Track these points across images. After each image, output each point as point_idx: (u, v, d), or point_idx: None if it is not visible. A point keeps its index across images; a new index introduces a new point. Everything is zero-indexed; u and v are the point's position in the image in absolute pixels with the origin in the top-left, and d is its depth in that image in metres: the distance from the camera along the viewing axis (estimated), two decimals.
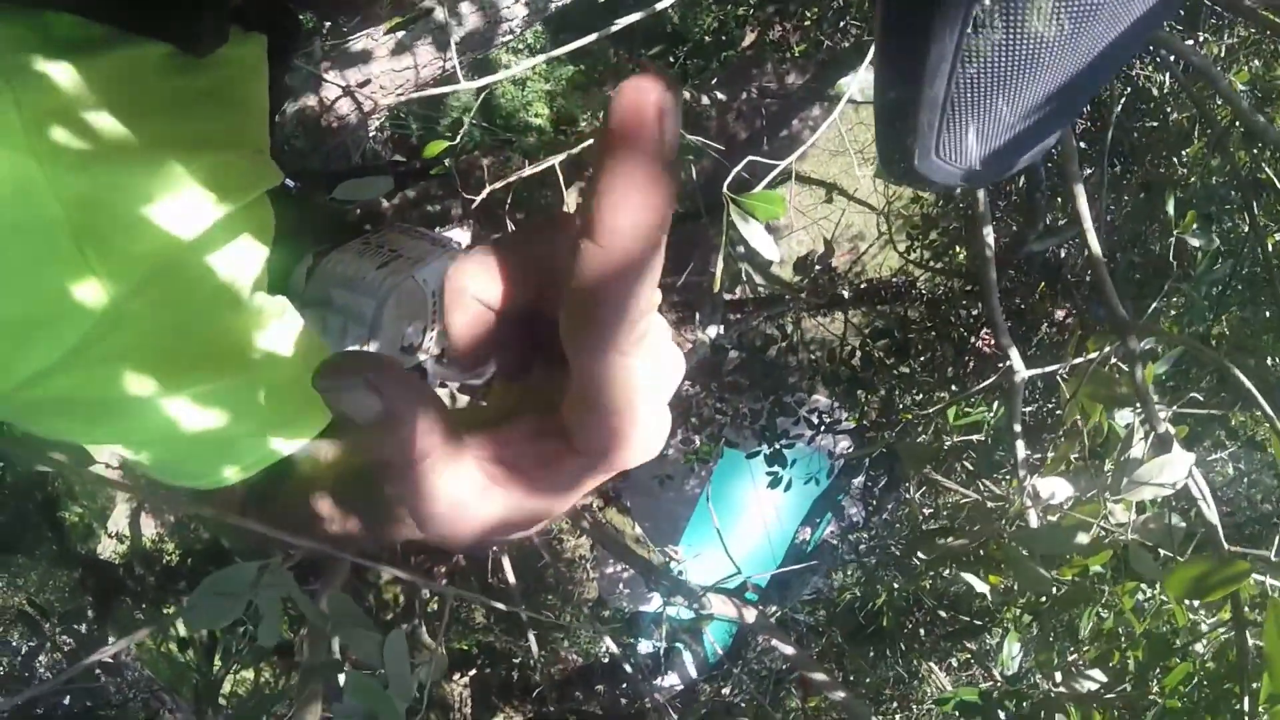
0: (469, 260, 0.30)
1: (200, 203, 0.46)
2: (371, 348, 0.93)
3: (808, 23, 3.52)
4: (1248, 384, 0.95)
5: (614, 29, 1.81)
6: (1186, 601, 1.30)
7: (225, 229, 0.49)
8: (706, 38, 3.70)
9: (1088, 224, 1.17)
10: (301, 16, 0.71)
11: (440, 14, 1.58)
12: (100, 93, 0.43)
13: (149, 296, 0.44)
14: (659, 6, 1.70)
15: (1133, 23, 0.41)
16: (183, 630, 3.05)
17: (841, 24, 3.22)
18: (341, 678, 1.02)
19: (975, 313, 3.08)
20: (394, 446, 0.26)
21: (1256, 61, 2.27)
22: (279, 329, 0.53)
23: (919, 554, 1.57)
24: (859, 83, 1.71)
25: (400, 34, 1.50)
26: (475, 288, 0.30)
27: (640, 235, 0.23)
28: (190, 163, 0.46)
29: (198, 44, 0.49)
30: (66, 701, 2.60)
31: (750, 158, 1.31)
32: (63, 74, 0.42)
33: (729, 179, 1.16)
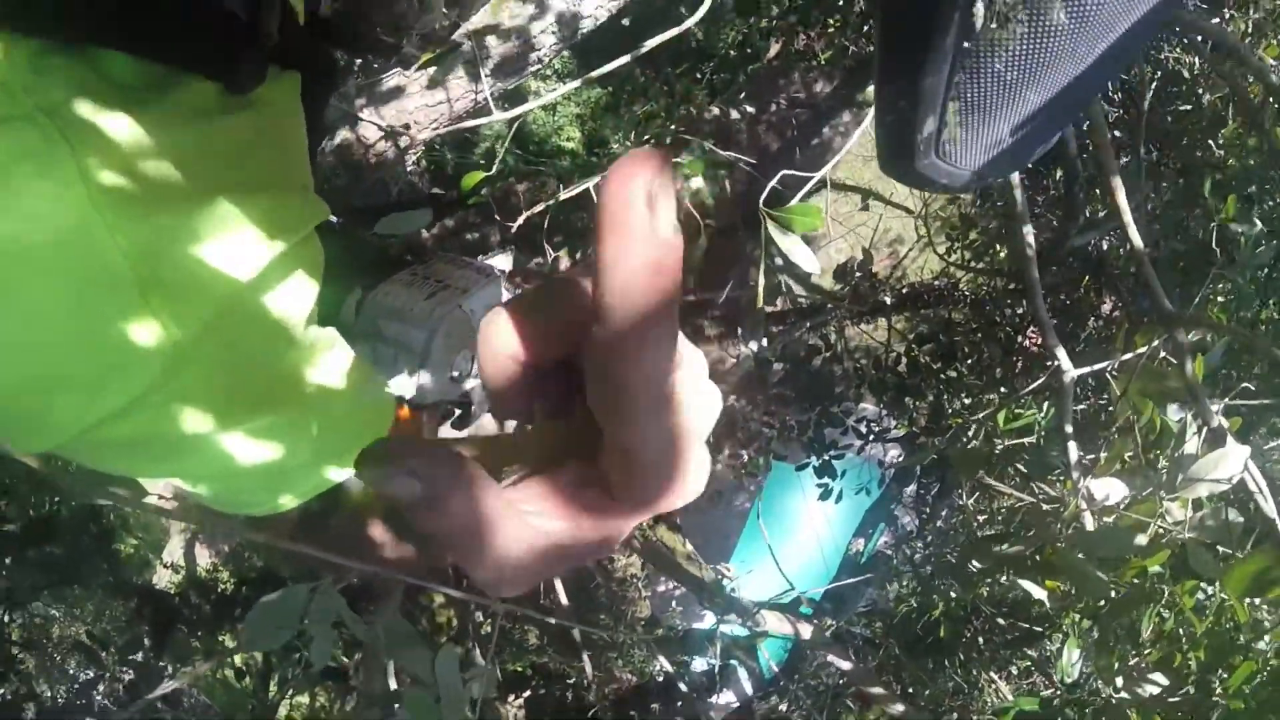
0: (498, 320, 0.31)
1: (256, 243, 0.47)
2: (423, 377, 0.95)
3: (831, 30, 3.52)
4: None
5: (641, 51, 1.83)
6: (1248, 599, 1.26)
7: (279, 267, 0.50)
8: (731, 52, 3.72)
9: (1127, 216, 1.15)
10: (337, 55, 0.73)
11: (469, 47, 1.61)
12: (154, 137, 0.43)
13: (212, 339, 0.45)
14: (682, 28, 1.71)
15: (1136, 19, 0.41)
16: (239, 659, 3.11)
17: (865, 28, 3.22)
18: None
19: (1020, 311, 3.03)
20: (438, 524, 0.27)
21: None
22: (331, 362, 0.55)
23: (974, 562, 1.54)
24: None
25: (431, 69, 1.53)
26: (507, 346, 0.31)
27: (644, 316, 0.24)
28: (243, 204, 0.47)
29: (240, 81, 0.50)
30: None
31: (783, 171, 1.31)
32: (117, 120, 0.42)
33: (763, 194, 1.16)
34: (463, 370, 0.97)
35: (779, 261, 1.31)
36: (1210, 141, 2.09)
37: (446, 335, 1.03)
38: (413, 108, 1.56)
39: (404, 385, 0.92)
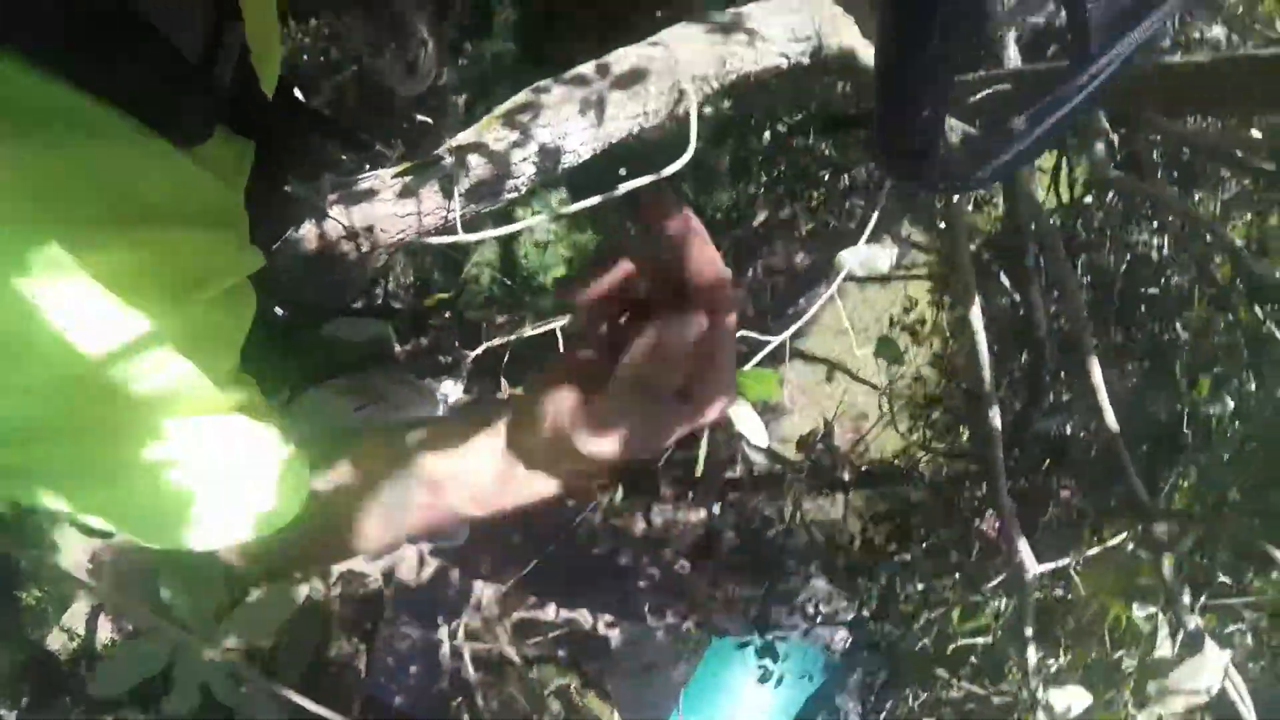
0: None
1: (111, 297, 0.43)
2: None
3: (815, 204, 3.64)
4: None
5: (616, 193, 1.82)
6: None
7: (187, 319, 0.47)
8: (718, 215, 3.82)
9: (1103, 397, 1.10)
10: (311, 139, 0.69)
11: (449, 163, 1.59)
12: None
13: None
14: (661, 175, 1.71)
15: (1129, 32, 0.42)
16: None
17: (847, 205, 3.32)
18: None
19: (980, 495, 2.98)
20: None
21: (1250, 215, 2.28)
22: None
23: None
24: (857, 256, 1.70)
25: (407, 178, 1.50)
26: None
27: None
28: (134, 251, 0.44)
29: (181, 128, 0.47)
30: None
31: (741, 332, 1.26)
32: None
33: None
34: None
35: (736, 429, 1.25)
36: (1177, 323, 2.11)
37: None
38: (382, 214, 1.52)
39: None
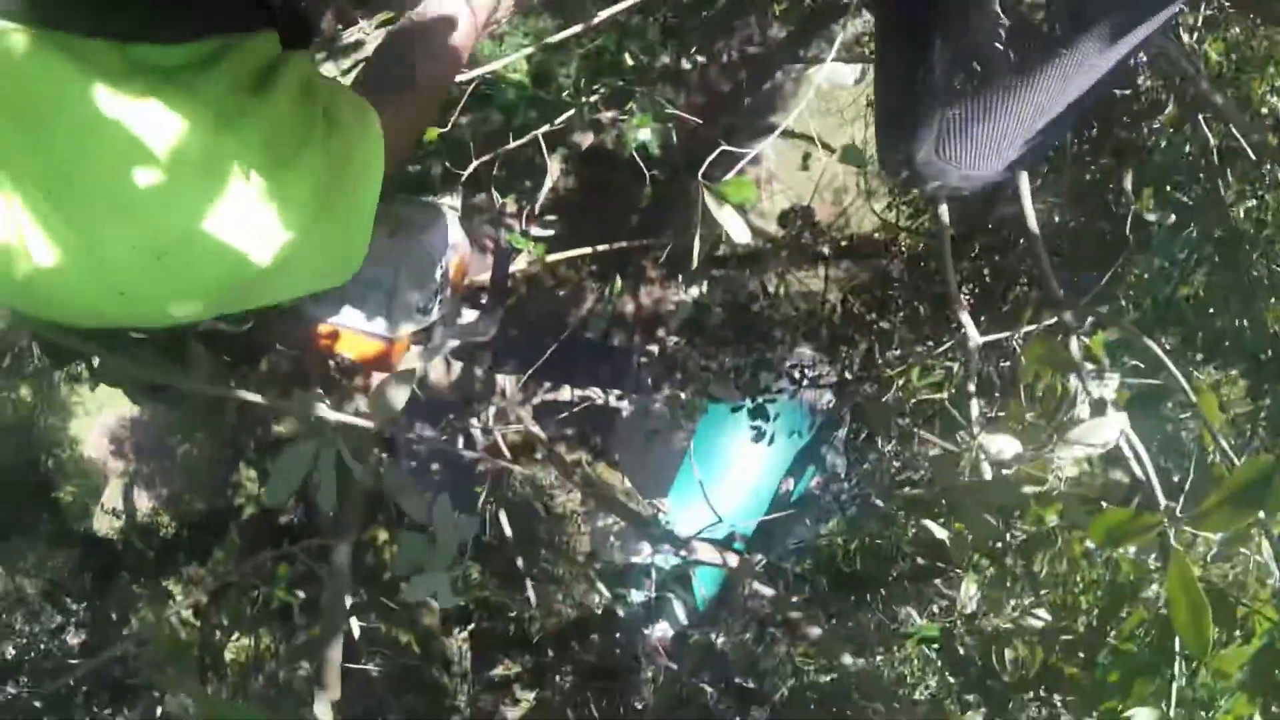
0: None
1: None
2: (391, 311, 1.02)
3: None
4: (1161, 355, 1.05)
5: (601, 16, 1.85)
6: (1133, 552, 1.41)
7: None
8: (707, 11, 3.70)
9: (1027, 202, 1.25)
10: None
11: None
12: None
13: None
14: None
15: (1133, 30, 0.44)
16: (183, 608, 3.14)
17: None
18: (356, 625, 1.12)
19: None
20: None
21: (1235, 29, 2.27)
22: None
23: (879, 502, 1.68)
24: (825, 73, 1.77)
25: (390, 27, 1.55)
26: None
27: None
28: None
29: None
30: (72, 683, 2.69)
31: (723, 146, 1.38)
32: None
33: (702, 168, 1.23)
34: (426, 304, 1.03)
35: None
36: (1145, 125, 2.17)
37: (409, 271, 1.08)
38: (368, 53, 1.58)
39: (376, 323, 0.99)
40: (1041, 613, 1.44)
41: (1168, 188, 1.90)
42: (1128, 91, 2.32)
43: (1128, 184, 1.50)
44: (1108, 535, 0.94)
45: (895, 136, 0.45)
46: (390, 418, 1.00)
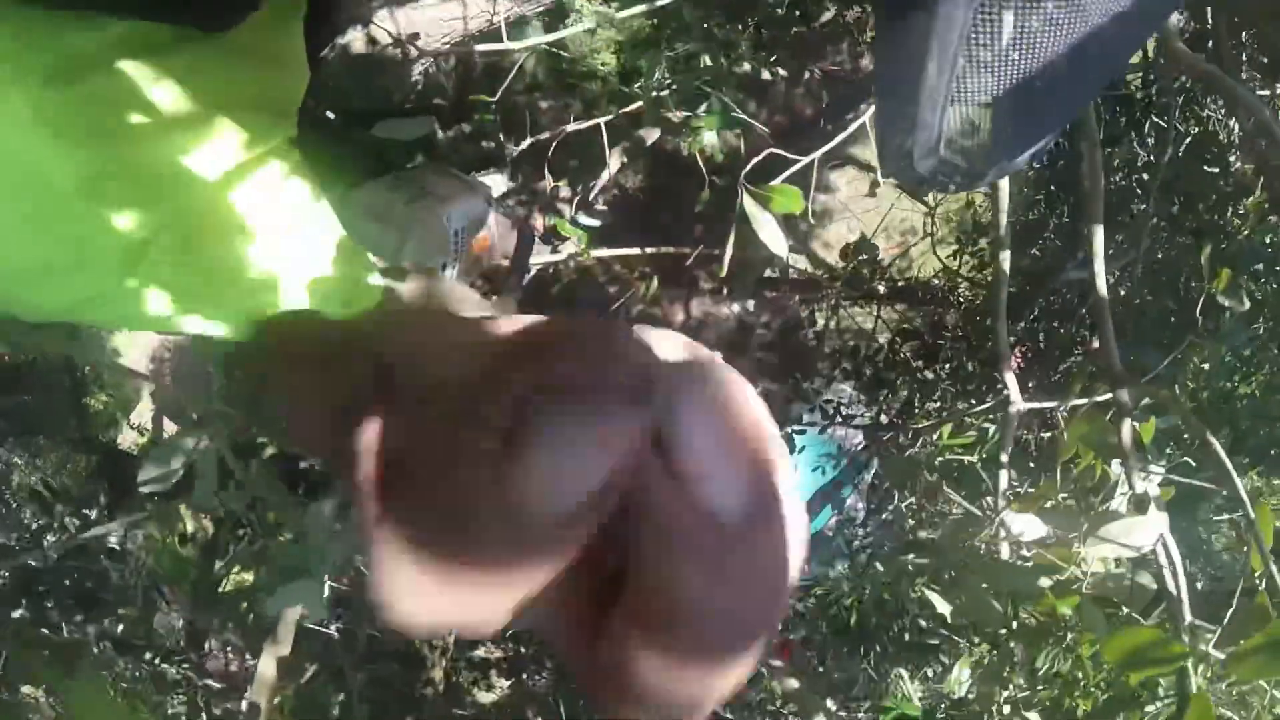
0: None
1: (226, 152, 0.50)
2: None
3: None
4: (1223, 456, 0.93)
5: None
6: None
7: (246, 172, 0.52)
8: (779, 10, 3.62)
9: (1099, 264, 1.14)
10: None
11: None
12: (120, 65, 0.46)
13: (167, 239, 0.49)
14: None
15: (1134, 20, 0.41)
16: (189, 526, 3.15)
17: None
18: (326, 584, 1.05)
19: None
20: None
21: None
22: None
23: (879, 565, 1.57)
24: None
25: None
26: None
27: None
28: (216, 120, 0.49)
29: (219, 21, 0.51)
30: (68, 583, 2.71)
31: (769, 150, 1.29)
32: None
33: (745, 169, 1.14)
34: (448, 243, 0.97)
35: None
36: (1230, 208, 2.06)
37: (419, 240, 1.02)
38: (425, 19, 1.52)
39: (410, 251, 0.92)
40: (1033, 716, 1.32)
41: (1244, 276, 1.78)
42: (1215, 169, 2.20)
43: (1205, 260, 1.38)
44: (1126, 657, 0.82)
45: (898, 131, 0.42)
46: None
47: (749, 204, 1.06)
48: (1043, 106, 0.43)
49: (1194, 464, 1.23)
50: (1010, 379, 1.27)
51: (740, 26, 3.84)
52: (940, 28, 0.37)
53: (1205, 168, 2.06)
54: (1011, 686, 1.41)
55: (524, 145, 2.28)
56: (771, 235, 1.11)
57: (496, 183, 2.35)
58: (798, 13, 3.50)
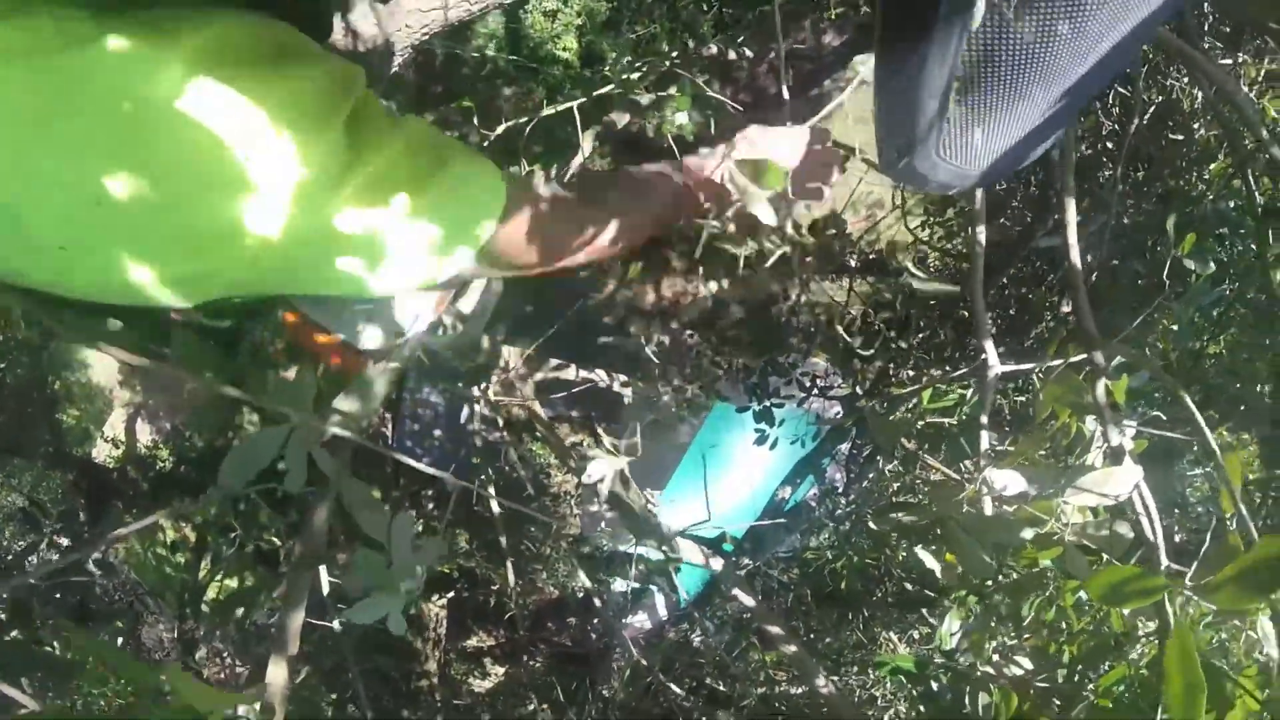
0: None
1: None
2: (373, 330, 0.96)
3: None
4: (1194, 409, 0.99)
5: None
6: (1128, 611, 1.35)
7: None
8: None
9: (1072, 235, 1.19)
10: None
11: None
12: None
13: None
14: None
15: (1132, 26, 0.42)
16: (170, 534, 3.14)
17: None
18: (326, 580, 1.07)
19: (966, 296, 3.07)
20: None
21: None
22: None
23: (872, 524, 1.63)
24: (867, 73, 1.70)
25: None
26: None
27: None
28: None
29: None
30: (59, 597, 2.70)
31: (754, 124, 1.32)
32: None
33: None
34: (404, 329, 0.97)
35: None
36: (1195, 174, 2.11)
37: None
38: (407, 8, 1.53)
39: (369, 336, 0.93)
40: (1023, 660, 1.38)
41: (1209, 239, 1.84)
42: (1180, 137, 2.26)
43: (1170, 227, 1.43)
44: (1108, 592, 0.88)
45: (896, 133, 0.43)
46: (371, 410, 0.95)
47: (740, 179, 1.10)
48: (1041, 117, 0.44)
49: (1165, 418, 1.29)
50: (989, 346, 1.32)
51: (704, 7, 3.86)
52: (937, 48, 0.38)
53: (1170, 135, 2.12)
54: (1000, 636, 1.47)
55: (499, 131, 2.30)
56: (761, 209, 1.14)
57: None
58: None
